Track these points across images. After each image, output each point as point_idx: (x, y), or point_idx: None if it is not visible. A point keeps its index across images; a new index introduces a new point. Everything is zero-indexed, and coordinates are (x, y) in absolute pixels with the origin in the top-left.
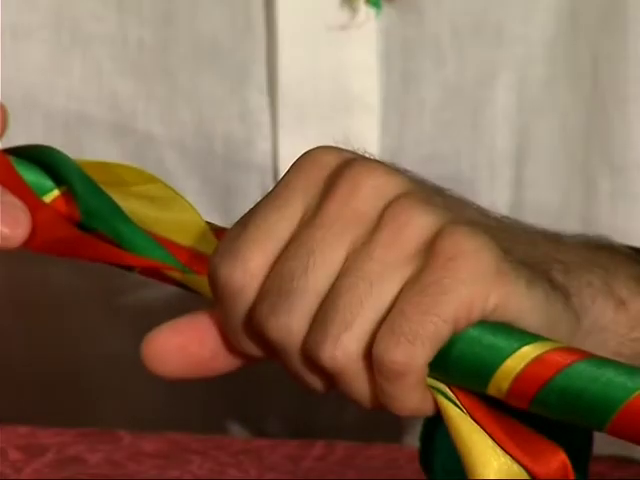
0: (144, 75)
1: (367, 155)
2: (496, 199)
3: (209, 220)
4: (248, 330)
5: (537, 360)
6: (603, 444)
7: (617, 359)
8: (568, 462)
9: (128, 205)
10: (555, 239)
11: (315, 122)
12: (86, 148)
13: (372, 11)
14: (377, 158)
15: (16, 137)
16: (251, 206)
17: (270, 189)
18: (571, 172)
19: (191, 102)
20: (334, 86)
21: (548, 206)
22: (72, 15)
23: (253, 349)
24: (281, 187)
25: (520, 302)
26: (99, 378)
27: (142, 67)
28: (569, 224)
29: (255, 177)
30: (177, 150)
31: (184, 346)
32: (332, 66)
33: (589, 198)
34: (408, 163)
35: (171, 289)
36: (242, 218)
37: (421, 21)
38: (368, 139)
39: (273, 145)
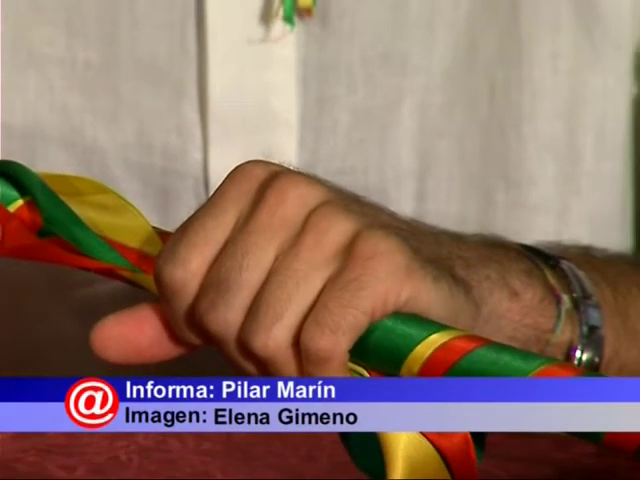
0: (91, 91)
1: (292, 168)
2: (402, 209)
3: (149, 219)
4: (190, 323)
5: (443, 346)
6: None
7: (513, 343)
8: (469, 437)
9: (84, 213)
10: (457, 238)
11: (241, 136)
12: (39, 155)
13: (287, 27)
14: (300, 170)
15: None
16: (185, 208)
17: (202, 194)
18: (469, 186)
19: (133, 116)
20: (257, 104)
21: (448, 216)
22: (28, 39)
23: (194, 339)
24: (217, 197)
25: (428, 295)
26: (53, 360)
27: (89, 84)
28: (467, 231)
29: (189, 183)
30: (120, 158)
31: (125, 335)
32: (256, 87)
33: (486, 209)
34: (323, 175)
35: None
36: (183, 224)
37: (335, 50)
38: (287, 153)
39: (204, 156)
